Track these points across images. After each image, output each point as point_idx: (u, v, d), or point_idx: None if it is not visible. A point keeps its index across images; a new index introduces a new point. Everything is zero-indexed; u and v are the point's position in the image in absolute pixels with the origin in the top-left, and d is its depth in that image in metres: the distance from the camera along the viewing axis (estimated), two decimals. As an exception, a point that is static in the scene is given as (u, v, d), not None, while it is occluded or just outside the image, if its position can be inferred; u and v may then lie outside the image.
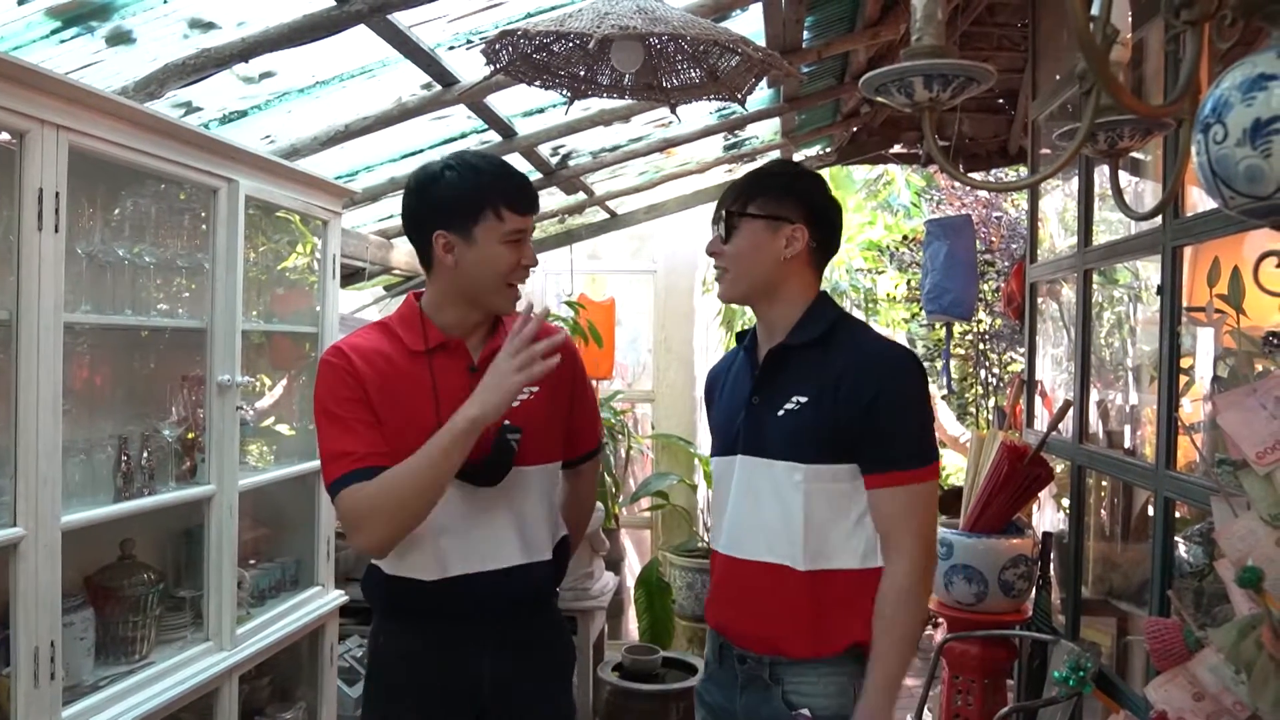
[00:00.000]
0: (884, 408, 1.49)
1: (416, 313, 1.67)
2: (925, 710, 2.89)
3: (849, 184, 6.93)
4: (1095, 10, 0.91)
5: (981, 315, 6.42)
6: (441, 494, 1.54)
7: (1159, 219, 2.22)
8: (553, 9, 2.31)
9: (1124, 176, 2.99)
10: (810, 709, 1.51)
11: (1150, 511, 2.39)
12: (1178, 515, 2.18)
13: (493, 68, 1.87)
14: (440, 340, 1.65)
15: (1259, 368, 1.42)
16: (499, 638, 1.67)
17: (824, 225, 1.61)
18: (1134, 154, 2.80)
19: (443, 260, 1.61)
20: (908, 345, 6.77)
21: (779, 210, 1.57)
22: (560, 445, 1.78)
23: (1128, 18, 1.09)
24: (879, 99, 1.01)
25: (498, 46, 1.80)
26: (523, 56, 1.89)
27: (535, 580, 1.69)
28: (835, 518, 1.52)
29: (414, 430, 1.56)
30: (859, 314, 6.93)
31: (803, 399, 1.53)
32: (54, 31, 1.87)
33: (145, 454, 2.08)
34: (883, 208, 7.21)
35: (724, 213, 1.60)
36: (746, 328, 1.77)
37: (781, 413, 1.55)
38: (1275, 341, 1.32)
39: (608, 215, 4.95)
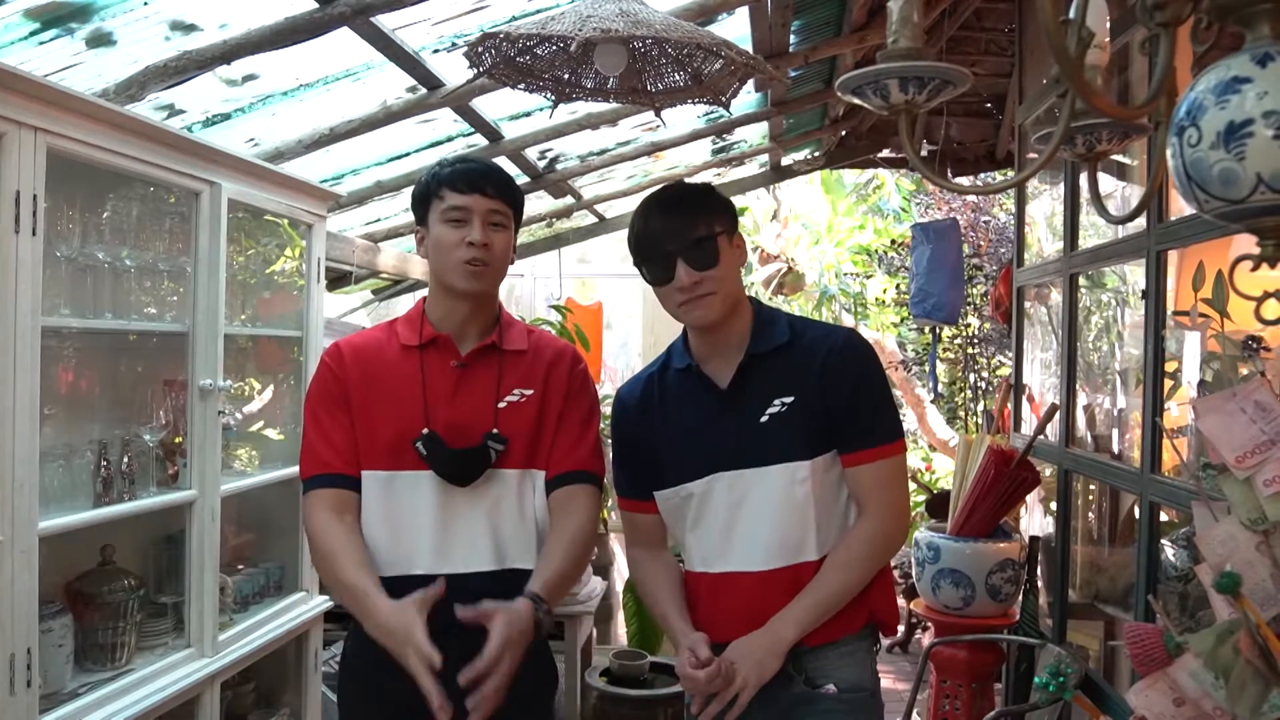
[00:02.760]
0: (862, 389, 1.58)
1: (420, 311, 1.74)
2: (914, 714, 2.89)
3: (839, 188, 6.94)
4: (1073, 13, 0.91)
5: (971, 319, 6.43)
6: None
7: (1144, 223, 2.23)
8: (537, 12, 2.31)
9: (1111, 181, 3.01)
10: (834, 685, 1.55)
11: (1136, 515, 2.39)
12: (1165, 519, 2.19)
13: (476, 71, 1.86)
14: (432, 336, 1.69)
15: (1244, 371, 1.41)
16: (470, 647, 1.63)
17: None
18: (1120, 159, 2.81)
19: (421, 253, 1.71)
20: (898, 348, 6.81)
21: (728, 223, 1.60)
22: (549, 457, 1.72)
23: (1105, 22, 1.09)
24: (855, 100, 1.00)
25: (480, 49, 1.79)
26: (506, 60, 1.88)
27: (508, 588, 1.61)
28: (834, 502, 1.58)
29: (398, 420, 1.63)
30: (848, 317, 6.93)
31: (787, 399, 1.56)
32: (33, 33, 1.86)
33: (126, 459, 2.06)
34: (873, 212, 7.22)
35: (702, 237, 1.55)
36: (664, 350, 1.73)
37: (765, 418, 1.56)
38: (1255, 345, 1.32)
39: (596, 219, 4.95)
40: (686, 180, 1.78)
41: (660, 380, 1.69)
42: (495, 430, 1.64)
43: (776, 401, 1.56)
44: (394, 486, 1.64)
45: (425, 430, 1.61)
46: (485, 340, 1.70)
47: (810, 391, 1.55)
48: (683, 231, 1.55)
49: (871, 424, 1.58)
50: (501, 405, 1.67)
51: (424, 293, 1.81)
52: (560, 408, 1.72)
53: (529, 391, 1.69)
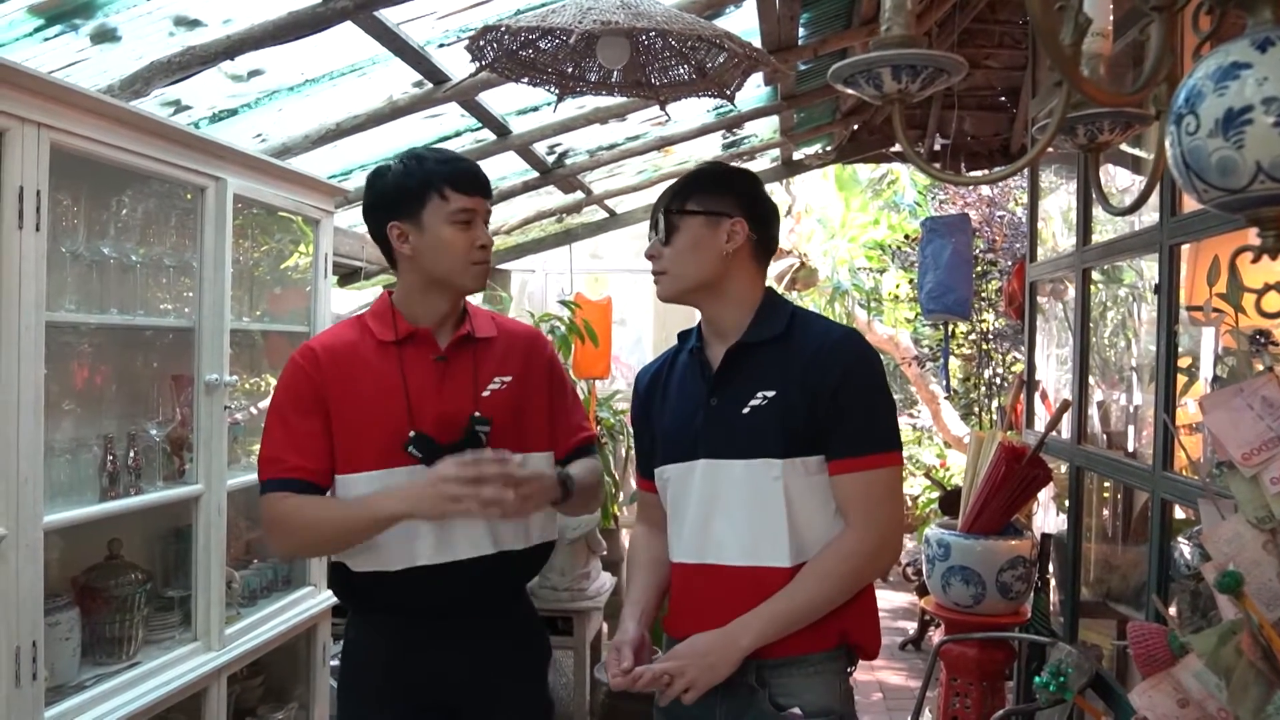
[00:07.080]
0: (849, 392, 1.49)
1: (388, 306, 1.72)
2: (924, 711, 2.87)
3: (853, 183, 6.90)
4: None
5: (986, 314, 6.38)
6: (345, 549, 1.65)
7: (1156, 217, 2.19)
8: (542, 5, 2.30)
9: (1127, 175, 2.96)
10: (800, 707, 1.48)
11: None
12: (1181, 516, 2.15)
13: (478, 64, 1.86)
14: (409, 331, 1.69)
15: (1259, 367, 1.38)
16: (469, 634, 1.64)
17: (761, 218, 1.59)
18: (1137, 153, 2.77)
19: (400, 251, 1.68)
20: (912, 344, 6.77)
21: (718, 205, 1.56)
22: (543, 436, 1.76)
23: (1109, 11, 1.06)
24: (849, 91, 0.98)
25: (481, 43, 1.78)
26: (508, 53, 1.87)
27: (505, 570, 1.67)
28: (816, 510, 1.50)
29: (383, 420, 1.63)
30: (861, 313, 6.90)
31: (769, 393, 1.50)
32: (37, 29, 1.86)
33: (132, 454, 2.08)
34: (889, 207, 7.17)
35: (663, 213, 1.56)
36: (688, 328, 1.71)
37: (747, 410, 1.51)
38: (1262, 340, 1.29)
39: (607, 214, 4.94)
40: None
41: (673, 360, 1.69)
42: (478, 413, 1.66)
43: (759, 394, 1.51)
44: (389, 485, 1.63)
45: (413, 433, 1.61)
46: (460, 331, 1.72)
47: (792, 388, 1.49)
48: (660, 201, 1.59)
49: (859, 430, 1.49)
50: (485, 394, 1.69)
51: (381, 283, 1.83)
52: (548, 390, 1.78)
53: (508, 378, 1.72)
